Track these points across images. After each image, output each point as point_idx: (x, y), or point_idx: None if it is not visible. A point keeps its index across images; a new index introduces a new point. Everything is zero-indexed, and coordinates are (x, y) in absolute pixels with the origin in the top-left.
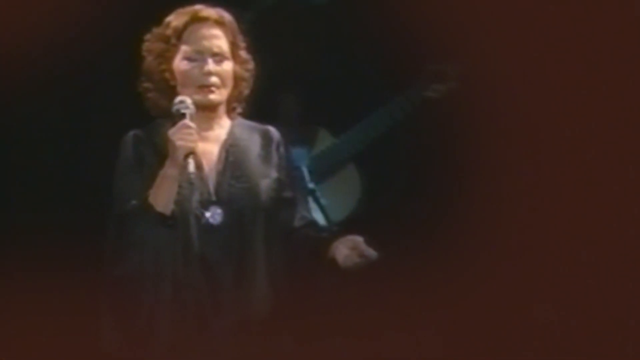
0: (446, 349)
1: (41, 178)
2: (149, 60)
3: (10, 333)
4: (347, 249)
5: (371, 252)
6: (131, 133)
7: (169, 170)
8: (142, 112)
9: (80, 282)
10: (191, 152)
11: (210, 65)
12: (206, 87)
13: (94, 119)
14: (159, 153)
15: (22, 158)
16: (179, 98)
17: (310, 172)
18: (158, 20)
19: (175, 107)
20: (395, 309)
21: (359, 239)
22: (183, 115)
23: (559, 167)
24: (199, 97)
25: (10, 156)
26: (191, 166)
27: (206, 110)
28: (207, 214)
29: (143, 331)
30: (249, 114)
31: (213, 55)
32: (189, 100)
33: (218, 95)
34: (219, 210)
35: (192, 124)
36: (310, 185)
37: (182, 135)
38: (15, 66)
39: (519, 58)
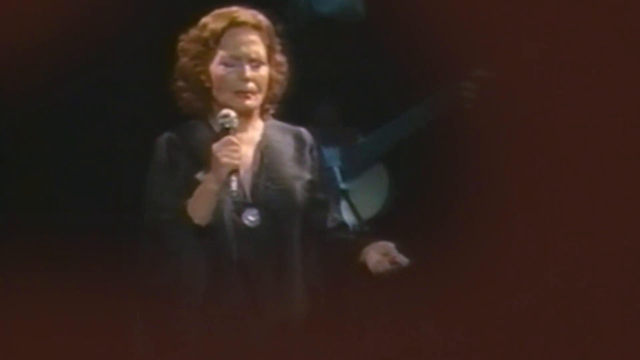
0: (477, 347)
1: (72, 181)
2: (185, 61)
3: (44, 341)
4: (378, 255)
5: (403, 259)
6: (165, 135)
7: (210, 185)
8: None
9: (114, 291)
10: (235, 170)
11: (248, 72)
12: (242, 93)
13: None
14: (193, 157)
15: (58, 161)
16: (223, 112)
17: (342, 172)
18: (191, 19)
19: (219, 122)
20: (427, 307)
21: (390, 245)
22: (227, 130)
23: (594, 170)
24: (235, 103)
25: (44, 160)
26: (234, 184)
27: (242, 115)
28: (244, 216)
29: (178, 336)
30: (282, 115)
31: (250, 61)
32: (233, 114)
33: (254, 101)
34: (255, 212)
35: (236, 140)
36: (343, 186)
37: (227, 152)
38: (39, 64)
39: (550, 63)
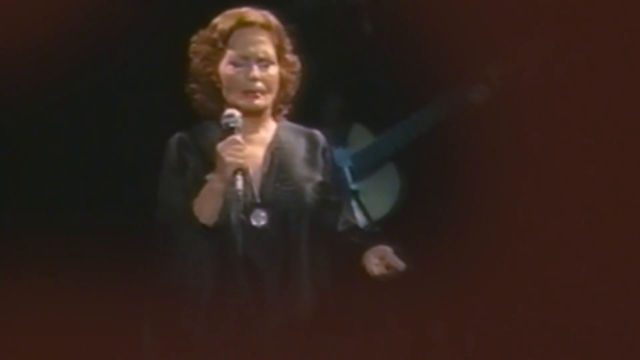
0: (485, 347)
1: (85, 181)
2: (196, 62)
3: (52, 340)
4: (376, 259)
5: (399, 264)
6: (176, 136)
7: (216, 185)
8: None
9: (122, 290)
10: (240, 169)
11: (256, 71)
12: (251, 93)
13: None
14: (203, 157)
15: (72, 161)
16: (227, 111)
17: (352, 173)
18: (204, 20)
19: (224, 121)
20: (435, 308)
21: (388, 250)
22: (231, 130)
23: (604, 172)
24: (244, 102)
25: (53, 160)
26: (239, 183)
27: (251, 115)
28: (252, 217)
29: (185, 335)
30: (291, 114)
31: (258, 60)
32: (237, 114)
33: (263, 101)
34: (263, 213)
35: (241, 140)
36: (353, 186)
37: (232, 151)
38: (50, 65)
39: (559, 65)
